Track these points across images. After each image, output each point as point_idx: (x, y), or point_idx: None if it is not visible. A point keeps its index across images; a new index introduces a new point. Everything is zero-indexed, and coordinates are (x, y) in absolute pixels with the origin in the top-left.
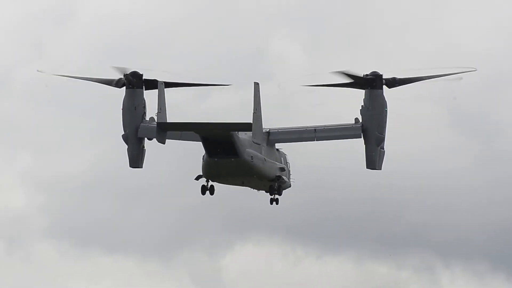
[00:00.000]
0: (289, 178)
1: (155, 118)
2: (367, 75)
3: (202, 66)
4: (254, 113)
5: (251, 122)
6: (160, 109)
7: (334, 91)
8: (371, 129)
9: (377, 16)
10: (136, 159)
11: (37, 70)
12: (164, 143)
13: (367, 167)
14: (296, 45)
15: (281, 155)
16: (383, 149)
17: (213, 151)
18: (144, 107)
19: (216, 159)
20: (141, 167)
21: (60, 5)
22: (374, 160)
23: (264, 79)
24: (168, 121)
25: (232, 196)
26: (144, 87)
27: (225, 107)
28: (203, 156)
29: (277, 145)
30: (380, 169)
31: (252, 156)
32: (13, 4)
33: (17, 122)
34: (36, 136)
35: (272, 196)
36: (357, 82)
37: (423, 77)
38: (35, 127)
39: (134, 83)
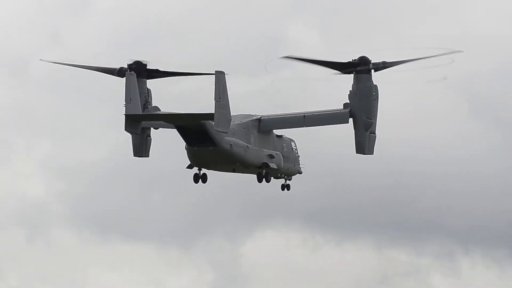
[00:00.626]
0: (296, 164)
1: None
2: (355, 59)
3: (219, 55)
4: (216, 101)
5: (213, 112)
6: (130, 100)
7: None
8: (359, 114)
9: (395, 2)
10: (139, 148)
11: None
12: (137, 133)
13: (356, 152)
14: (313, 32)
15: (283, 142)
16: (374, 133)
17: (190, 140)
18: (147, 96)
19: (195, 148)
20: (147, 156)
21: None
22: (363, 145)
23: (280, 67)
24: (162, 110)
25: (249, 183)
26: (147, 76)
27: (239, 95)
28: (185, 145)
29: (284, 132)
30: (372, 154)
31: (231, 144)
32: None
33: (34, 110)
34: (54, 124)
35: (284, 182)
36: (345, 65)
37: (409, 59)
38: (53, 115)
39: (136, 73)
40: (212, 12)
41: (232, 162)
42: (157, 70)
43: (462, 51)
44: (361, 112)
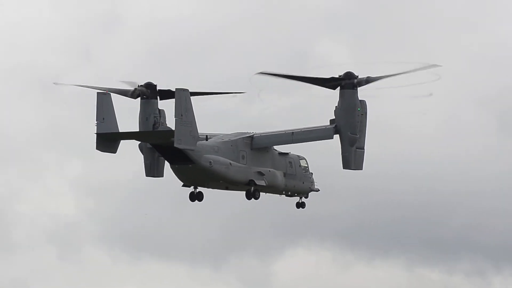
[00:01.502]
0: (306, 182)
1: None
2: (340, 75)
3: (248, 70)
4: (177, 119)
5: (173, 129)
6: (103, 119)
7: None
8: (343, 130)
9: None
10: (150, 168)
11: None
12: (113, 152)
13: (343, 167)
14: (341, 47)
15: (288, 159)
16: (362, 149)
17: (170, 159)
18: (157, 116)
19: (176, 166)
20: (161, 176)
21: (107, 12)
22: (348, 160)
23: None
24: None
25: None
26: (159, 97)
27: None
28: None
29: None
30: (360, 169)
31: (211, 161)
32: (61, 12)
33: (66, 129)
34: (85, 142)
35: (298, 200)
36: (329, 80)
37: (390, 74)
38: (83, 134)
39: (147, 94)
40: (242, 29)
41: (214, 179)
42: (168, 91)
43: (441, 65)
44: (345, 127)
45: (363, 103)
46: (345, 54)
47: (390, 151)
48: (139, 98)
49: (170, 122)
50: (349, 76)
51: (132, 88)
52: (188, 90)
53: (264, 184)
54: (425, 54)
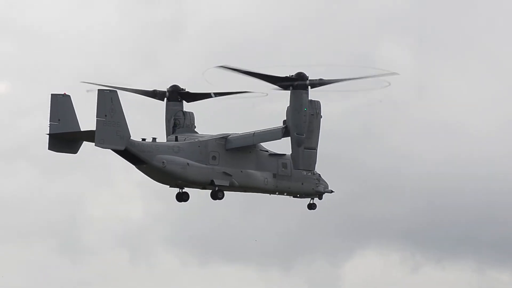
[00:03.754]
0: (306, 183)
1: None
2: (292, 75)
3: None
4: (100, 119)
5: (94, 129)
6: (59, 120)
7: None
8: (291, 130)
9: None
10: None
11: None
12: (73, 153)
13: (293, 168)
14: (404, 50)
15: (281, 160)
16: (312, 149)
17: (128, 159)
18: (180, 119)
19: (137, 166)
20: None
21: (171, 18)
22: (296, 160)
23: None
24: None
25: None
26: (184, 100)
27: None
28: None
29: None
30: (311, 170)
31: (163, 162)
32: (126, 18)
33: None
34: None
35: (309, 202)
36: (282, 79)
37: (345, 78)
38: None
39: (171, 97)
40: (302, 31)
41: (172, 179)
42: (193, 94)
43: (398, 74)
44: (292, 127)
45: (314, 104)
46: (407, 57)
47: (459, 152)
48: (166, 100)
49: (205, 123)
50: (301, 76)
51: (151, 90)
52: (115, 91)
53: (227, 185)
54: (486, 55)
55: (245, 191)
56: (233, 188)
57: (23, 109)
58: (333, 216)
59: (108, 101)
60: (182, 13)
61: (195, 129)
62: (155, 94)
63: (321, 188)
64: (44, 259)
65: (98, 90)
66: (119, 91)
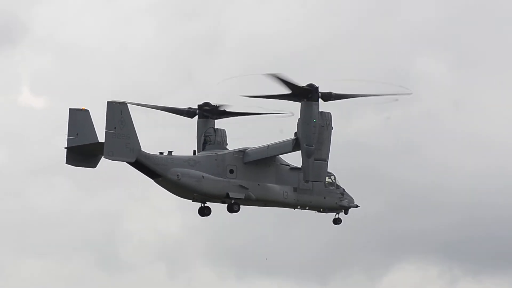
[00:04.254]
0: (329, 197)
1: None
2: (305, 86)
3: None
4: (109, 131)
5: (103, 141)
6: (77, 134)
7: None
8: (301, 141)
9: None
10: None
11: (107, 101)
12: (90, 167)
13: (303, 179)
14: (440, 64)
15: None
16: (322, 160)
17: (144, 173)
18: (211, 135)
19: (154, 180)
20: None
21: (208, 32)
22: (306, 171)
23: (408, 98)
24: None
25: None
26: (215, 116)
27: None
28: None
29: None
30: (321, 181)
31: (178, 174)
32: (163, 33)
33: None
34: None
35: (334, 216)
36: (294, 93)
37: (358, 94)
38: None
39: (202, 114)
40: (339, 46)
41: (187, 192)
42: (224, 111)
43: (411, 93)
44: (302, 138)
45: (325, 115)
46: (443, 71)
47: (497, 165)
48: (196, 117)
49: (232, 140)
50: (312, 87)
51: (185, 108)
52: (125, 103)
53: (242, 197)
54: None
55: (265, 205)
56: (251, 201)
57: (60, 124)
58: (370, 230)
59: (117, 113)
60: (219, 28)
61: (227, 146)
62: (186, 112)
63: (345, 203)
64: (82, 274)
65: (108, 102)
66: (150, 109)
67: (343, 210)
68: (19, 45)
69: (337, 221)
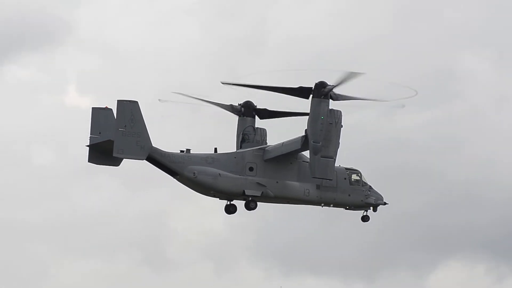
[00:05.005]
0: (354, 195)
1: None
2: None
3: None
4: (119, 129)
5: (113, 139)
6: (100, 133)
7: None
8: (309, 138)
9: None
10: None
11: (117, 100)
12: (113, 165)
13: (310, 175)
14: (485, 63)
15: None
16: (329, 158)
17: (165, 171)
18: (250, 134)
19: (174, 177)
20: None
21: (252, 32)
22: (312, 168)
23: (452, 96)
24: None
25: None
26: (257, 116)
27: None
28: None
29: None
30: (328, 179)
31: (195, 172)
32: (207, 33)
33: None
34: None
35: (363, 214)
36: (302, 89)
37: (365, 98)
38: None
39: (243, 112)
40: (381, 45)
41: (204, 189)
42: (265, 110)
43: (415, 94)
44: (310, 135)
45: (334, 113)
46: (487, 68)
47: None
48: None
49: (271, 140)
50: (320, 85)
51: (228, 104)
52: (136, 102)
53: (258, 195)
54: None
55: (288, 202)
56: (271, 199)
57: None
58: (416, 227)
59: (127, 111)
60: (262, 28)
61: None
62: (232, 109)
63: (371, 200)
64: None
65: (118, 100)
66: (203, 104)
67: (371, 208)
68: (64, 46)
69: (365, 218)
